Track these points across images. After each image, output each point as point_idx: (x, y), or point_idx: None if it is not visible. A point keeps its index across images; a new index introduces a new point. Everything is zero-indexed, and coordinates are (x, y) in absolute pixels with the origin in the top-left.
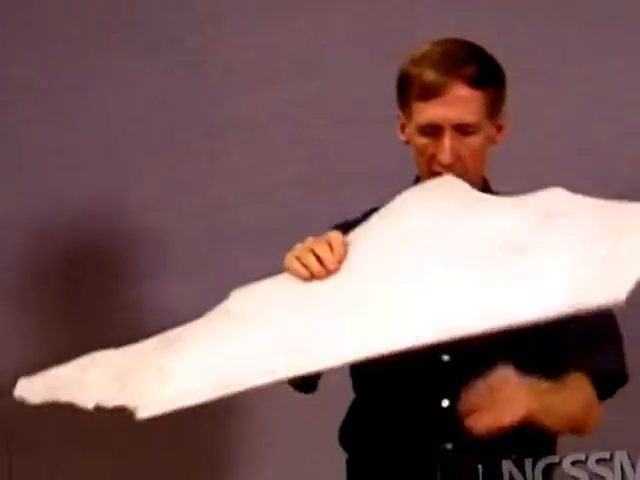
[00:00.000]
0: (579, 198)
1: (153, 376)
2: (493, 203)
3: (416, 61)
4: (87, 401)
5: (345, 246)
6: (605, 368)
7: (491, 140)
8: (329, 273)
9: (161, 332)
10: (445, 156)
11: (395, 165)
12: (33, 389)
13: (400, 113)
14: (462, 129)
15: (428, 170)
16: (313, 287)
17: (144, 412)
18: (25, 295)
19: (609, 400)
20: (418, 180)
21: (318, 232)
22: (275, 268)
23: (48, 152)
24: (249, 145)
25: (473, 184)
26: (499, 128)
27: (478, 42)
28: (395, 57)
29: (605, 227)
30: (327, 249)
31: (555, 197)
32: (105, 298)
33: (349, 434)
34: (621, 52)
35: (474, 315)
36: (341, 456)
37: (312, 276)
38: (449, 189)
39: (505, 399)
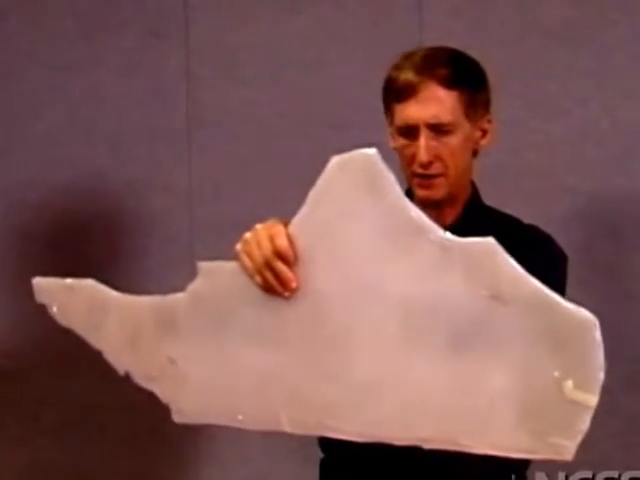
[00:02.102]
0: (514, 272)
1: (168, 371)
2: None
3: (398, 66)
4: (117, 366)
5: (291, 250)
6: None
7: (473, 143)
8: (290, 292)
9: None
10: (421, 155)
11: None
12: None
13: (387, 120)
14: (438, 128)
15: (409, 172)
16: (288, 319)
17: (178, 418)
18: (3, 273)
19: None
20: (408, 192)
21: None
22: None
23: (33, 130)
24: (242, 140)
25: (457, 187)
26: (484, 132)
27: (482, 54)
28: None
29: (547, 343)
30: (281, 264)
31: (492, 262)
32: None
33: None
34: (620, 77)
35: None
36: (316, 455)
37: (273, 293)
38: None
39: None
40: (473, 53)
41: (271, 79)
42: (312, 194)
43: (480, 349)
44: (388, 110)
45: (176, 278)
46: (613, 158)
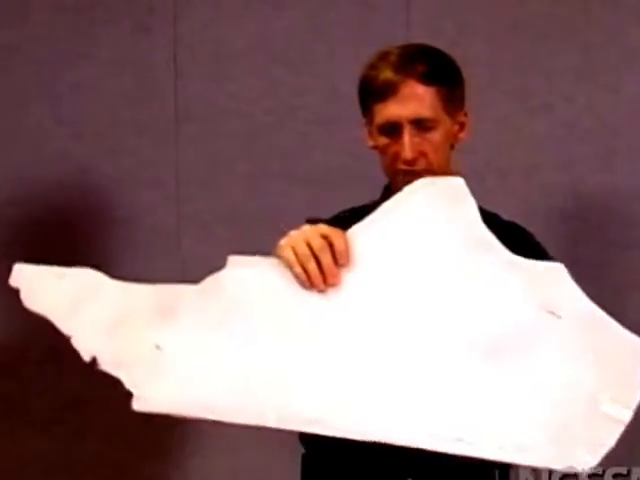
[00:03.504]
0: (575, 293)
1: (149, 356)
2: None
3: (374, 65)
4: (83, 352)
5: (348, 252)
6: None
7: (453, 137)
8: (328, 287)
9: None
10: (406, 152)
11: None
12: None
13: (364, 119)
14: (420, 125)
15: (392, 169)
16: (314, 313)
17: (139, 405)
18: None
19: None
20: (388, 188)
21: (293, 225)
22: None
23: (20, 125)
24: (229, 135)
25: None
26: (461, 126)
27: (468, 51)
28: None
29: (591, 357)
30: (330, 258)
31: (556, 282)
32: None
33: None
34: (605, 73)
35: (435, 436)
36: (297, 450)
37: (310, 284)
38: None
39: None
40: (459, 50)
41: (258, 75)
42: (384, 205)
43: (521, 355)
44: (367, 110)
45: (164, 271)
46: (598, 155)
